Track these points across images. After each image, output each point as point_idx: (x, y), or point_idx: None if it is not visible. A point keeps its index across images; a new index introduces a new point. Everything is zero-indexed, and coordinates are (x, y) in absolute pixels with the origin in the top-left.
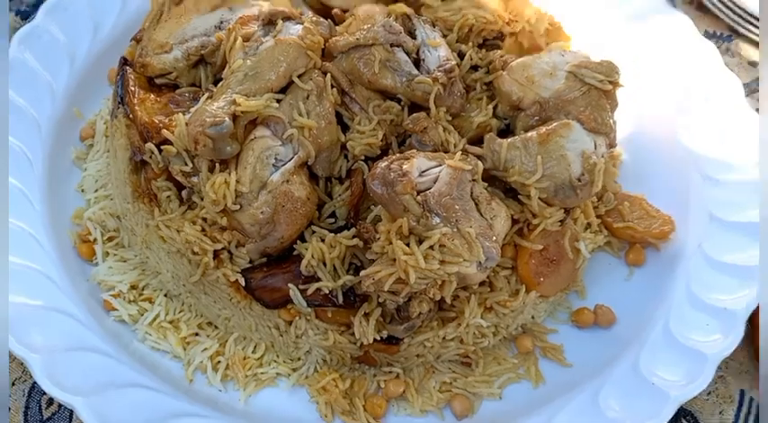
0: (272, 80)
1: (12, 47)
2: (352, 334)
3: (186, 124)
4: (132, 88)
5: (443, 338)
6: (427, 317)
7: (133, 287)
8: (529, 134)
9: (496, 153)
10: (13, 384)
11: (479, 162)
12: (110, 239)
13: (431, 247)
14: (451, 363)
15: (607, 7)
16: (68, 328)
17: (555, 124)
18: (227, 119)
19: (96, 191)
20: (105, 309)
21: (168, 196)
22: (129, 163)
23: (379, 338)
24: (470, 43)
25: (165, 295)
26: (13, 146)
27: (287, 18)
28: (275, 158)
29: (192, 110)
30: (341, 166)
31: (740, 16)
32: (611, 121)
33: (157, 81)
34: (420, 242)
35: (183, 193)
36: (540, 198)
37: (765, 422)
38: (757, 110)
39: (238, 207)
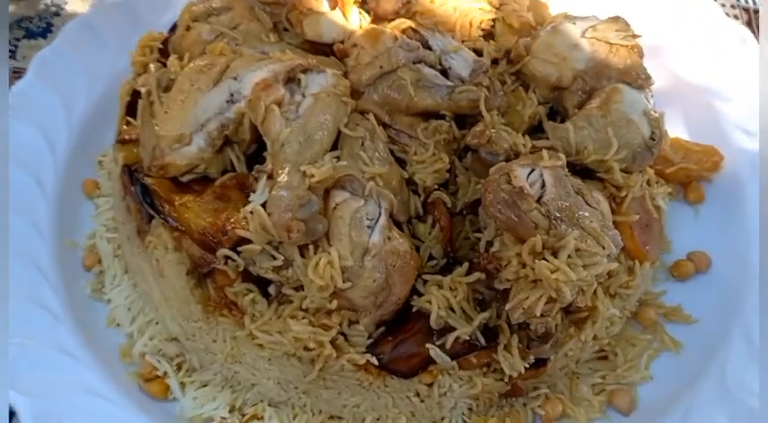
0: (324, 139)
1: None
2: (494, 371)
3: (269, 214)
4: (164, 195)
5: (584, 341)
6: (562, 326)
7: (232, 409)
8: (587, 110)
9: (564, 139)
10: None
11: (561, 155)
12: (178, 367)
13: (569, 256)
14: (588, 362)
15: None
16: None
17: (604, 93)
18: (313, 196)
19: (134, 321)
20: None
21: (252, 299)
22: (188, 278)
23: (527, 366)
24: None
25: (269, 405)
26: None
27: (305, 70)
28: (367, 219)
29: (253, 198)
30: (415, 204)
31: None
32: (646, 70)
33: (183, 179)
34: (554, 254)
35: (270, 289)
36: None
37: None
38: None
39: (350, 284)
